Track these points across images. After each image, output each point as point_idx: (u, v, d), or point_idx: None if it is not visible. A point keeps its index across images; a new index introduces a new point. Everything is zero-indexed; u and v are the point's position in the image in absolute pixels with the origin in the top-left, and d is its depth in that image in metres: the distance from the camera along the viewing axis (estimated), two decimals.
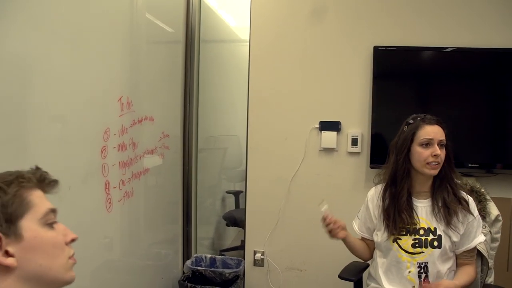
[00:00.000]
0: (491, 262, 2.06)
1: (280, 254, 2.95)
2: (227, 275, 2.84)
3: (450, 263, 1.88)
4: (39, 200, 0.93)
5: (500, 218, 2.13)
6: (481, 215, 1.97)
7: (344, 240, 1.97)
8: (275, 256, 2.96)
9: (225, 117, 4.19)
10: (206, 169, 3.86)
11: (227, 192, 4.09)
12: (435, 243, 1.83)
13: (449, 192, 1.83)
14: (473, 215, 1.84)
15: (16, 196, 0.89)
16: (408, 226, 1.86)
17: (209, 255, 3.12)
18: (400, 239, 1.87)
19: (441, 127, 1.82)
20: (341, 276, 2.10)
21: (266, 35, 2.88)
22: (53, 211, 0.95)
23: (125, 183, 2.23)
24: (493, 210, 2.11)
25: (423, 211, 1.87)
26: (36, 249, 0.89)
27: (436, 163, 1.79)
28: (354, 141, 2.79)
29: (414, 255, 1.85)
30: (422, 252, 1.84)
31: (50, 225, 0.94)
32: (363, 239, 2.07)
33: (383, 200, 1.92)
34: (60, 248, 0.94)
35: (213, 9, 3.86)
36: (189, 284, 2.69)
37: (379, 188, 1.96)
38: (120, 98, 2.16)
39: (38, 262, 0.89)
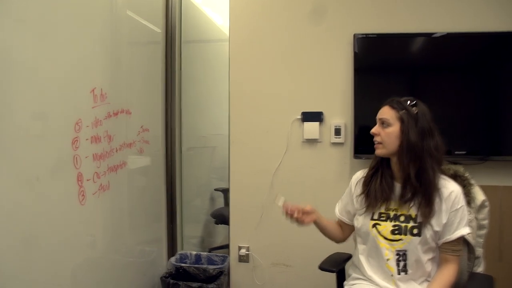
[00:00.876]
0: (479, 251, 1.98)
1: (265, 250, 2.90)
2: (211, 271, 2.79)
3: (431, 254, 1.80)
4: None
5: (487, 204, 2.05)
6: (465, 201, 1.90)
7: (315, 223, 1.95)
8: (260, 251, 2.90)
9: (212, 115, 4.14)
10: (195, 167, 3.83)
11: (216, 189, 4.03)
12: (415, 231, 1.75)
13: (423, 179, 1.74)
14: (457, 204, 1.75)
15: None
16: (388, 212, 1.81)
17: (194, 252, 3.07)
18: (380, 224, 1.81)
19: (391, 107, 1.77)
20: (321, 267, 2.04)
21: (245, 26, 2.84)
22: None
23: (100, 176, 2.18)
24: (478, 195, 2.03)
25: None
26: None
27: (376, 142, 1.79)
28: (337, 132, 2.74)
29: (393, 242, 1.78)
30: (401, 239, 1.77)
31: None
32: (339, 221, 2.03)
33: (365, 183, 1.88)
34: None
35: (198, 7, 3.83)
36: (171, 281, 2.64)
37: (365, 171, 1.93)
38: (93, 90, 2.12)
39: None
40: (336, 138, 2.74)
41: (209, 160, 4.23)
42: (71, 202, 1.96)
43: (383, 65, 2.74)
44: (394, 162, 1.80)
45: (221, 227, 3.82)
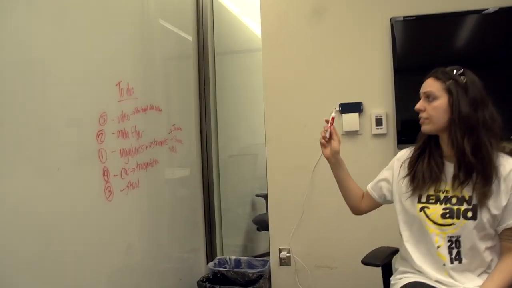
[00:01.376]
0: None
1: (308, 251, 2.72)
2: (250, 275, 2.65)
3: (490, 242, 1.57)
4: None
5: None
6: None
7: (332, 168, 1.85)
8: (302, 253, 2.73)
9: (252, 125, 4.04)
10: (235, 175, 3.74)
11: (257, 195, 3.90)
12: (469, 214, 1.53)
13: (480, 157, 1.52)
14: None
15: None
16: (438, 194, 1.61)
17: (233, 257, 2.94)
18: (428, 208, 1.61)
19: (436, 79, 1.59)
20: (364, 262, 1.85)
21: (277, 18, 2.74)
22: None
23: (128, 172, 2.11)
24: None
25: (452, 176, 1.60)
26: None
27: (422, 119, 1.61)
28: (379, 122, 2.56)
29: (443, 227, 1.57)
30: (453, 223, 1.55)
31: None
32: (364, 193, 1.89)
33: (411, 164, 1.69)
34: None
35: (236, 16, 3.80)
36: (208, 285, 2.52)
37: (411, 150, 1.75)
38: (119, 83, 2.06)
39: None
40: (377, 129, 2.56)
41: (251, 168, 4.13)
42: (97, 197, 1.88)
43: (425, 49, 2.53)
44: (443, 139, 1.61)
45: (263, 233, 3.68)
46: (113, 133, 2.00)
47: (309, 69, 2.68)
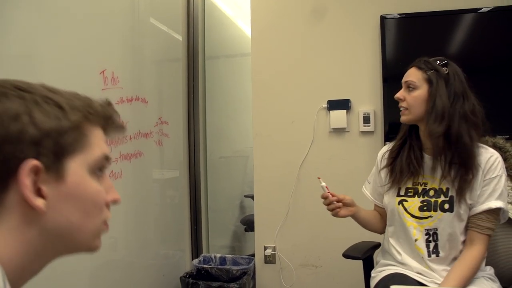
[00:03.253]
0: None
1: (293, 250, 2.69)
2: (234, 272, 2.62)
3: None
4: (97, 141, 0.69)
5: None
6: (508, 175, 1.66)
7: (353, 216, 1.73)
8: (287, 251, 2.70)
9: (243, 128, 4.02)
10: (225, 176, 3.72)
11: (246, 196, 3.87)
12: (446, 206, 1.54)
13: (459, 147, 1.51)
14: (493, 172, 1.51)
15: (76, 128, 0.66)
16: (416, 187, 1.60)
17: (219, 255, 2.91)
18: (407, 201, 1.61)
19: (418, 68, 1.57)
20: (345, 255, 1.83)
21: (267, 14, 2.73)
22: (107, 158, 0.71)
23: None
24: None
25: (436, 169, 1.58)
26: (74, 199, 0.65)
27: (402, 108, 1.59)
28: (366, 119, 2.54)
29: (421, 220, 1.57)
30: (431, 216, 1.56)
31: (98, 175, 0.69)
32: (376, 208, 1.82)
33: (391, 156, 1.68)
34: (99, 208, 0.69)
35: (230, 18, 3.80)
36: (191, 280, 2.48)
37: (392, 144, 1.73)
38: (103, 72, 2.04)
39: (70, 216, 0.65)
40: (365, 126, 2.55)
41: (242, 170, 4.11)
42: None
43: (415, 47, 2.51)
44: (422, 130, 1.59)
45: (251, 234, 3.65)
46: None
47: (298, 66, 2.66)
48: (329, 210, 1.67)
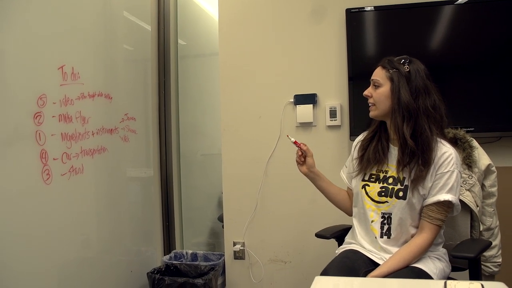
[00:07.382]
0: (489, 221, 1.88)
1: (262, 245, 2.69)
2: (203, 268, 2.62)
3: (418, 220, 1.68)
4: None
5: (494, 169, 1.89)
6: (466, 164, 1.83)
7: (312, 180, 1.90)
8: (256, 247, 2.70)
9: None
10: (205, 174, 3.71)
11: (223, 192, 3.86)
12: (400, 194, 1.66)
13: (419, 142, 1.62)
14: (445, 167, 1.60)
15: None
16: (379, 174, 1.73)
17: (190, 251, 2.90)
18: (369, 185, 1.74)
19: (382, 67, 1.70)
20: (317, 234, 1.95)
21: (234, 9, 2.72)
22: None
23: (70, 157, 2.08)
24: (483, 160, 1.87)
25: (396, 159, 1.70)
26: None
27: (370, 104, 1.73)
28: (333, 114, 2.55)
29: (379, 204, 1.70)
30: (387, 201, 1.68)
31: None
32: (348, 190, 1.94)
33: (362, 146, 1.81)
34: None
35: (205, 10, 3.78)
36: (157, 276, 2.48)
37: (365, 133, 1.86)
38: (62, 67, 2.04)
39: None
40: (331, 120, 2.55)
41: (219, 167, 4.10)
42: (33, 179, 1.86)
43: (381, 41, 2.52)
44: (388, 124, 1.72)
45: None
46: (53, 116, 1.97)
47: (265, 61, 2.67)
48: (296, 158, 1.87)
